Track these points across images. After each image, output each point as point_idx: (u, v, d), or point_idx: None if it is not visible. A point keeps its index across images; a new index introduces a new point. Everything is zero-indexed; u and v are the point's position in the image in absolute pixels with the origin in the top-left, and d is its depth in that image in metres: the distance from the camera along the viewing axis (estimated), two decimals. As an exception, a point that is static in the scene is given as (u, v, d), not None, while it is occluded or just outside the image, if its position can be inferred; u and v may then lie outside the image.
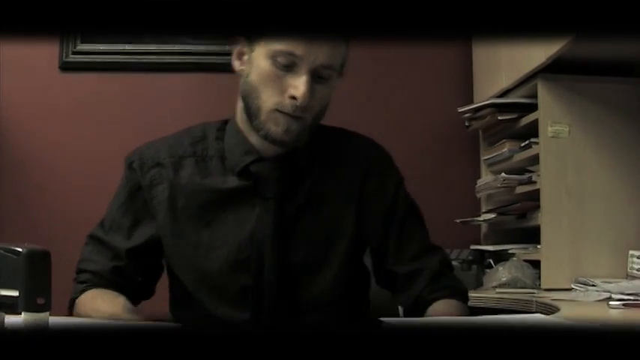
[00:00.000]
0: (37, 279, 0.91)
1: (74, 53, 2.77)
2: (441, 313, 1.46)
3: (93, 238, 1.53)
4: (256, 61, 1.42)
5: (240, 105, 1.50)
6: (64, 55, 2.77)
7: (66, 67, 2.77)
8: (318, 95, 1.41)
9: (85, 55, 2.77)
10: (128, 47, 2.77)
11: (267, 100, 1.40)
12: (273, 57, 1.38)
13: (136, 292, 1.50)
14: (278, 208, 1.46)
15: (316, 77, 1.39)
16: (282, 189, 1.47)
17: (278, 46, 1.38)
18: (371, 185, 1.54)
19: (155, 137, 2.77)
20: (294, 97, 1.38)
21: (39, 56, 2.77)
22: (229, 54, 2.44)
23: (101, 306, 1.41)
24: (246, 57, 1.46)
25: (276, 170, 1.47)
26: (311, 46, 1.37)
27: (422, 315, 1.49)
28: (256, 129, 1.44)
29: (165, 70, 2.80)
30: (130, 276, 1.49)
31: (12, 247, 0.89)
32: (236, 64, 1.49)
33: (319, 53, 1.38)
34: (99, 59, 2.77)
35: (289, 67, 1.38)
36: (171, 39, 2.79)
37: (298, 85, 1.37)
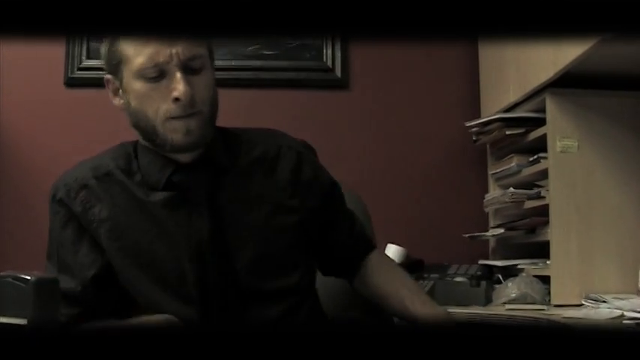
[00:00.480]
0: (45, 307, 0.90)
1: (80, 69, 2.76)
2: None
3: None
4: (129, 87, 1.42)
5: (138, 135, 1.48)
6: (70, 71, 2.76)
7: (71, 83, 2.76)
8: (200, 86, 1.41)
9: (91, 71, 2.75)
10: (133, 63, 2.77)
11: (155, 114, 1.40)
12: (140, 75, 1.39)
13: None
14: (210, 209, 1.44)
15: (189, 71, 1.39)
16: (210, 191, 1.45)
17: (139, 62, 1.38)
18: (305, 174, 1.54)
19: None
20: (177, 99, 1.37)
21: (44, 72, 2.77)
22: (236, 69, 2.53)
23: None
24: (120, 90, 1.46)
25: (198, 173, 1.46)
26: (169, 48, 1.37)
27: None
28: (162, 146, 1.43)
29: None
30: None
31: (20, 276, 0.88)
32: (116, 101, 1.49)
33: (179, 50, 1.38)
34: (104, 75, 2.76)
35: (159, 76, 1.38)
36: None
37: (175, 85, 1.37)
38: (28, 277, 0.85)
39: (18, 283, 0.86)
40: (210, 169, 1.47)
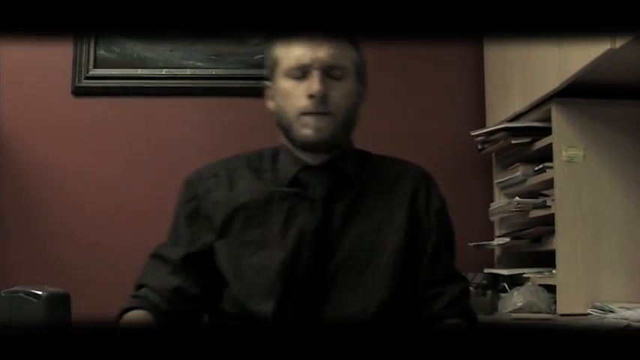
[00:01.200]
0: (57, 321, 0.90)
1: (87, 78, 2.78)
2: None
3: (153, 256, 1.59)
4: (278, 87, 1.56)
5: (281, 135, 1.60)
6: (77, 80, 2.78)
7: (79, 92, 2.78)
8: (337, 92, 1.53)
9: (98, 80, 2.78)
10: (140, 72, 2.79)
11: (292, 109, 1.53)
12: (286, 74, 1.54)
13: (188, 312, 1.54)
14: (325, 208, 1.52)
15: (329, 76, 1.53)
16: (329, 192, 1.54)
17: (286, 63, 1.53)
18: (420, 202, 1.59)
19: (167, 161, 2.80)
20: (311, 96, 1.50)
21: (51, 81, 2.78)
22: (240, 78, 2.61)
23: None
24: (272, 92, 1.60)
25: (322, 175, 1.56)
26: (315, 52, 1.52)
27: None
28: (294, 142, 1.55)
29: (177, 95, 2.80)
30: (186, 296, 1.52)
31: (32, 291, 0.89)
32: (270, 105, 1.63)
33: (324, 56, 1.52)
34: (111, 84, 2.78)
35: (302, 77, 1.52)
36: (184, 63, 2.80)
37: (311, 84, 1.50)
38: (40, 293, 0.86)
39: (30, 298, 0.86)
40: (335, 176, 1.57)
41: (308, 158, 1.57)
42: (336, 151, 1.58)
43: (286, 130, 1.56)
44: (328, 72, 1.52)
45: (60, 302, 0.90)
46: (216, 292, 1.55)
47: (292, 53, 1.54)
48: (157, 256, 1.58)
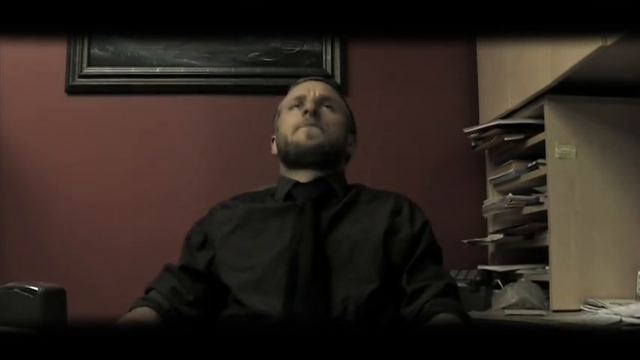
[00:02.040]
0: (52, 316, 0.91)
1: (80, 77, 2.77)
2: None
3: (164, 268, 1.76)
4: (279, 122, 1.86)
5: (280, 166, 1.86)
6: (71, 78, 2.77)
7: (72, 90, 2.78)
8: (328, 115, 1.81)
9: (91, 78, 2.77)
10: (134, 70, 2.78)
11: (288, 129, 1.80)
12: (287, 107, 1.85)
13: (185, 314, 1.66)
14: (314, 213, 1.69)
15: (321, 105, 1.81)
16: (318, 201, 1.72)
17: (288, 102, 1.85)
18: (403, 214, 1.75)
19: (161, 159, 2.81)
20: (305, 112, 1.78)
21: (45, 79, 2.78)
22: (236, 76, 2.74)
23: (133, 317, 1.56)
24: (275, 138, 1.88)
25: (312, 188, 1.76)
26: (311, 87, 1.85)
27: None
28: (288, 156, 1.79)
29: (172, 93, 2.80)
30: (181, 297, 1.67)
31: (28, 286, 0.89)
32: (273, 149, 1.89)
33: (319, 89, 1.84)
34: (105, 82, 2.78)
35: (299, 105, 1.82)
36: (178, 61, 2.80)
37: (306, 104, 1.80)
38: (36, 288, 0.86)
39: (25, 293, 0.87)
40: (323, 190, 1.77)
41: (300, 177, 1.78)
42: (326, 171, 1.79)
43: (283, 149, 1.81)
44: (321, 102, 1.81)
45: (56, 298, 0.90)
46: (214, 307, 1.69)
47: (293, 94, 1.86)
48: (166, 268, 1.76)
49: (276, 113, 1.91)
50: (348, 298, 1.58)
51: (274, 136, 1.89)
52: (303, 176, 1.78)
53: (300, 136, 1.76)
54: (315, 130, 1.76)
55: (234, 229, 1.73)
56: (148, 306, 1.60)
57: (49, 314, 0.89)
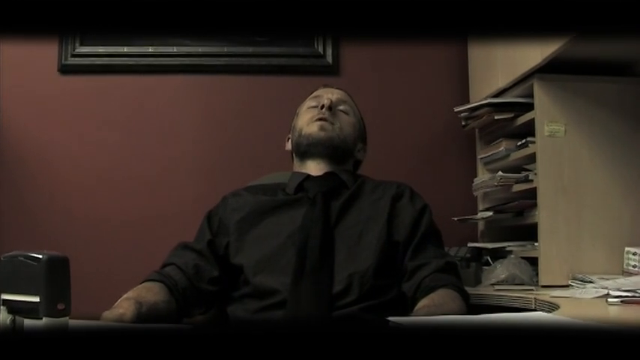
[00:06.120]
0: (57, 285, 0.93)
1: (73, 56, 2.78)
2: (441, 299, 1.60)
3: (179, 245, 1.82)
4: (299, 117, 2.00)
5: (294, 162, 2.00)
6: (63, 57, 2.78)
7: (65, 69, 2.78)
8: (341, 115, 1.96)
9: (84, 57, 2.78)
10: (127, 49, 2.79)
11: (304, 123, 1.94)
12: (307, 107, 1.98)
13: (205, 292, 1.73)
14: (324, 203, 1.79)
15: (336, 106, 1.96)
16: (327, 192, 1.83)
17: (308, 100, 2.01)
18: (404, 200, 1.85)
19: (155, 137, 2.82)
20: (322, 106, 1.92)
21: (38, 59, 2.78)
22: (228, 55, 2.78)
23: (141, 291, 1.58)
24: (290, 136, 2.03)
25: (322, 181, 1.87)
26: (328, 92, 2.01)
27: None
28: (300, 147, 1.93)
29: (164, 72, 2.81)
30: (205, 274, 1.73)
31: (32, 255, 0.91)
32: (287, 145, 2.06)
33: (334, 94, 2.00)
34: (98, 62, 2.78)
35: (316, 106, 1.96)
36: (170, 41, 2.80)
37: (322, 100, 1.94)
38: (40, 256, 0.88)
39: (29, 261, 0.89)
40: (332, 182, 1.87)
41: (311, 169, 1.90)
42: (335, 166, 1.91)
43: (296, 140, 1.95)
44: (338, 104, 1.97)
45: (59, 266, 0.92)
46: (227, 290, 1.77)
47: (311, 96, 2.02)
48: (183, 245, 1.81)
49: (294, 115, 2.05)
50: (354, 274, 1.65)
51: (290, 135, 2.04)
52: (314, 169, 1.90)
53: (314, 128, 1.90)
54: (328, 125, 1.90)
55: (246, 215, 1.82)
56: (162, 282, 1.64)
57: (52, 281, 0.91)
